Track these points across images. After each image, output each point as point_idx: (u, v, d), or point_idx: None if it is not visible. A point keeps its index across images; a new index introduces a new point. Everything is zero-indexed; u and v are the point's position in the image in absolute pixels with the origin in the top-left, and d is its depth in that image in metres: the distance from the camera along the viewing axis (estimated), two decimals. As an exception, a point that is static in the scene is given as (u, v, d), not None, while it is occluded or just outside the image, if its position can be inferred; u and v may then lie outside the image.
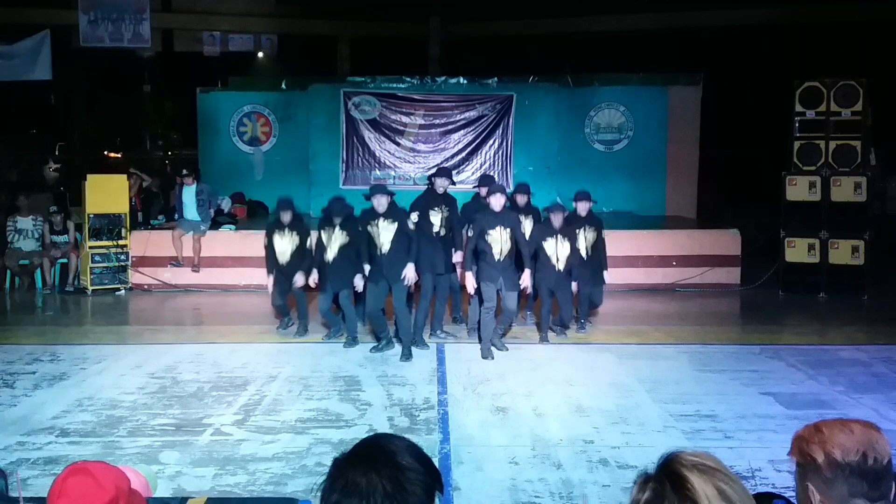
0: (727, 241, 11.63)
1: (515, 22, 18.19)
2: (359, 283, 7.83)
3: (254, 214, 13.71)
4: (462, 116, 14.93)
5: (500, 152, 14.89)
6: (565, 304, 8.31)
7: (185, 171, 11.94)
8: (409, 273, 7.66)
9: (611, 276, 10.78)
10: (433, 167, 10.69)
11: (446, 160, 14.11)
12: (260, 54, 19.92)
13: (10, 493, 2.34)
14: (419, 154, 14.98)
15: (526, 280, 7.77)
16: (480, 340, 7.76)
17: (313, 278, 8.16)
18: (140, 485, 2.19)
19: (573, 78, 15.66)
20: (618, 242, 10.81)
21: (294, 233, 8.53)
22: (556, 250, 8.11)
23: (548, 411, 6.03)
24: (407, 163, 14.97)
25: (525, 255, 7.69)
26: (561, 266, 8.11)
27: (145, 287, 11.52)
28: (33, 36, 15.28)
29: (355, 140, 14.97)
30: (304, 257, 8.41)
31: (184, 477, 4.76)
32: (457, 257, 8.29)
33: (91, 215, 11.24)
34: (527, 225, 8.57)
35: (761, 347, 8.08)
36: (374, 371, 7.22)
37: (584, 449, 5.23)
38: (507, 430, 5.67)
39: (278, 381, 6.86)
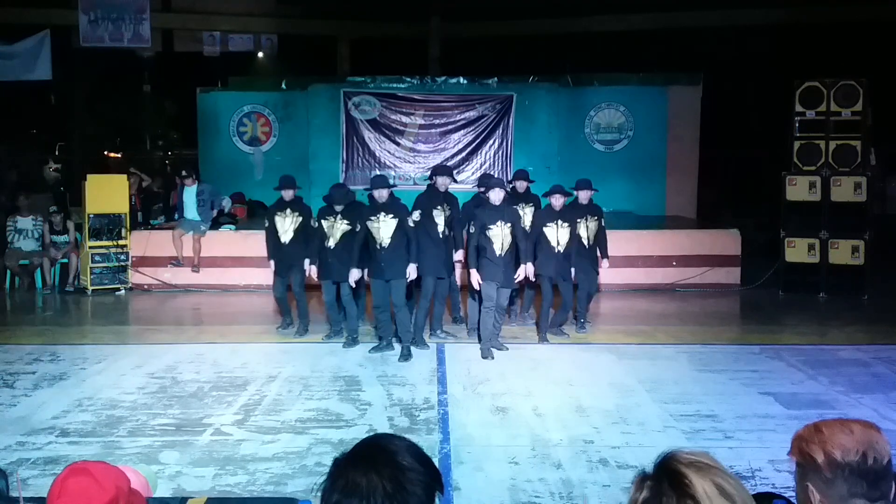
0: (727, 241, 11.63)
1: (515, 22, 18.19)
2: (353, 277, 7.80)
3: (254, 214, 13.71)
4: (462, 116, 14.93)
5: (500, 152, 14.90)
6: (567, 293, 8.32)
7: (184, 173, 11.94)
8: (412, 272, 7.66)
9: (611, 276, 10.83)
10: (434, 166, 10.69)
11: (446, 160, 14.11)
12: (260, 54, 19.91)
13: (11, 493, 2.34)
14: (419, 154, 14.99)
15: (522, 274, 7.78)
16: (480, 340, 7.76)
17: (314, 271, 8.16)
18: (140, 485, 2.19)
19: (573, 78, 15.67)
20: (618, 242, 10.78)
21: (296, 212, 8.54)
22: (557, 235, 8.12)
23: (548, 411, 6.03)
24: (407, 163, 14.98)
25: (522, 250, 7.68)
26: (561, 250, 8.13)
27: (145, 287, 11.52)
28: (33, 36, 15.28)
29: (355, 140, 14.98)
30: (307, 236, 8.39)
31: (184, 477, 4.76)
32: (457, 256, 8.29)
33: (91, 215, 11.25)
34: (528, 213, 8.57)
35: (761, 347, 8.08)
36: (374, 371, 7.22)
37: (584, 449, 5.23)
38: (507, 430, 5.67)
39: (278, 381, 6.86)
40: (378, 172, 12.57)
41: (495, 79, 15.21)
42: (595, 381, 6.87)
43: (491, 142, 14.91)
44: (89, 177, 11.78)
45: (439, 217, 8.05)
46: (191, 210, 11.48)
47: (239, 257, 11.44)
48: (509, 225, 7.57)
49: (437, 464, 1.54)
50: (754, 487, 4.23)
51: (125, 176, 12.33)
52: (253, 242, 10.92)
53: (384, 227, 7.61)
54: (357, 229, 7.81)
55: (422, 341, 8.04)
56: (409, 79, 15.29)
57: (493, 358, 7.59)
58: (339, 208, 7.99)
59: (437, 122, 14.98)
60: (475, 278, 7.59)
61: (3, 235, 11.86)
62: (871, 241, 10.87)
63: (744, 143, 18.19)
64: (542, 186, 8.76)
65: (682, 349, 8.03)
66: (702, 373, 7.15)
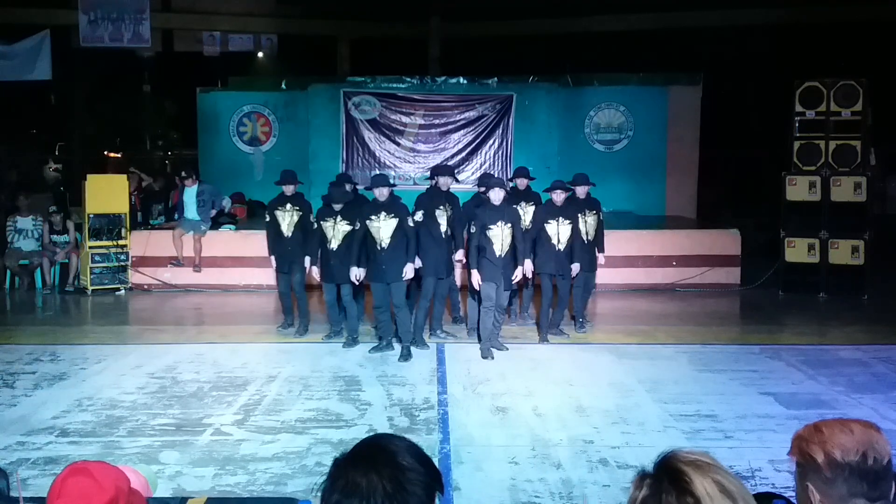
0: (727, 241, 11.63)
1: (515, 22, 18.19)
2: (354, 274, 7.79)
3: (254, 214, 13.71)
4: (462, 116, 14.94)
5: (500, 152, 14.90)
6: (565, 291, 8.32)
7: (184, 173, 11.94)
8: (409, 272, 7.66)
9: (611, 275, 10.87)
10: (434, 165, 10.72)
11: (446, 160, 14.11)
12: (260, 54, 19.91)
13: (11, 493, 2.34)
14: (419, 154, 14.99)
15: (520, 275, 7.78)
16: (480, 340, 7.76)
17: (315, 271, 8.16)
18: (140, 485, 2.19)
19: (573, 78, 15.66)
20: (618, 242, 10.81)
21: (296, 208, 8.54)
22: (558, 231, 8.13)
23: (548, 411, 6.03)
24: (407, 163, 14.99)
25: (521, 250, 7.68)
26: (561, 247, 8.13)
27: (145, 287, 11.52)
28: (33, 36, 15.26)
29: (355, 140, 14.98)
30: (307, 232, 8.39)
31: (184, 477, 4.76)
32: (457, 256, 8.29)
33: (91, 215, 11.24)
34: (528, 211, 8.57)
35: (761, 347, 8.08)
36: (374, 371, 7.22)
37: (584, 449, 5.24)
38: (507, 430, 5.67)
39: (278, 381, 6.86)
40: (378, 172, 12.59)
41: (495, 79, 15.21)
42: (595, 381, 6.87)
43: (491, 142, 14.92)
44: (89, 177, 11.77)
45: (441, 217, 8.04)
46: (191, 210, 11.48)
47: (239, 257, 11.44)
48: (509, 225, 7.57)
49: (437, 464, 1.54)
50: (754, 487, 4.23)
51: (125, 176, 12.33)
52: (253, 242, 10.93)
53: (384, 227, 7.60)
54: (356, 228, 7.80)
55: (422, 341, 8.03)
56: (409, 79, 15.30)
57: (493, 358, 7.59)
58: (337, 207, 7.98)
59: (437, 122, 14.98)
60: (475, 279, 7.59)
61: (3, 235, 11.87)
62: (871, 241, 10.87)
63: (744, 143, 18.19)
64: (542, 187, 8.77)
65: (682, 349, 8.03)
66: (702, 373, 7.15)
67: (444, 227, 8.05)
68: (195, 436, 5.50)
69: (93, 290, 11.18)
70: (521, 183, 8.93)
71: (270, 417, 5.91)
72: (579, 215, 8.43)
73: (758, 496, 1.53)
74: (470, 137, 14.93)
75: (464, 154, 14.87)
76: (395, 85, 15.14)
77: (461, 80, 15.22)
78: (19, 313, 10.54)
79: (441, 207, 8.06)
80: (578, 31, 18.50)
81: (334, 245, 7.98)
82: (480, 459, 5.06)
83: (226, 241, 11.70)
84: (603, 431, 5.58)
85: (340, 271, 7.95)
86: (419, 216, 7.95)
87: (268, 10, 18.64)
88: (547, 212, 8.26)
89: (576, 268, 8.28)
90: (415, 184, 13.61)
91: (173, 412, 6.01)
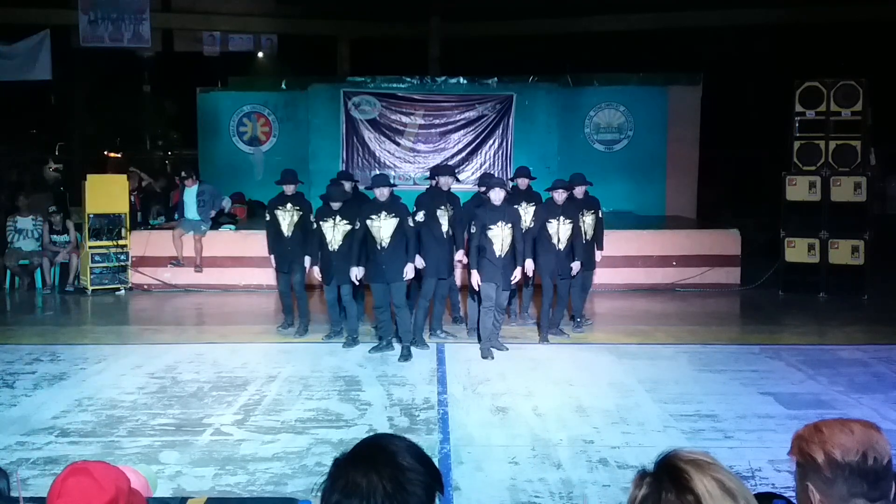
0: (727, 241, 11.63)
1: (515, 22, 18.18)
2: (354, 274, 7.79)
3: (254, 214, 13.72)
4: (462, 116, 14.94)
5: (500, 152, 14.90)
6: (564, 290, 8.32)
7: (184, 173, 11.94)
8: (410, 272, 7.66)
9: (611, 276, 10.87)
10: (434, 166, 10.74)
11: (446, 160, 14.12)
12: (260, 54, 19.90)
13: (11, 493, 2.34)
14: (419, 154, 14.99)
15: (519, 275, 7.78)
16: (480, 340, 7.76)
17: (316, 271, 8.16)
18: (140, 485, 2.19)
19: (573, 78, 15.66)
20: (618, 242, 10.81)
21: (297, 207, 8.54)
22: (559, 230, 8.13)
23: (548, 411, 6.03)
24: (407, 163, 14.99)
25: (520, 251, 7.68)
26: (562, 247, 8.13)
27: (145, 287, 11.52)
28: (33, 36, 15.27)
29: (355, 140, 14.98)
30: (307, 232, 8.39)
31: (184, 477, 4.76)
32: (458, 256, 8.28)
33: (91, 215, 11.25)
34: (529, 211, 8.57)
35: (761, 347, 8.08)
36: (374, 371, 7.22)
37: (584, 449, 5.24)
38: (507, 430, 5.67)
39: (278, 381, 6.86)
40: (378, 172, 12.58)
41: (495, 79, 15.21)
42: (595, 381, 6.87)
43: (491, 142, 14.92)
44: (89, 177, 11.77)
45: (443, 217, 8.04)
46: (191, 210, 11.48)
47: (239, 257, 11.44)
48: (510, 225, 7.58)
49: (437, 464, 1.54)
50: (754, 487, 4.23)
51: (125, 176, 12.33)
52: (253, 242, 10.93)
53: (385, 227, 7.59)
54: (356, 227, 7.79)
55: (422, 341, 8.03)
56: (409, 79, 15.30)
57: (493, 358, 7.59)
58: (336, 206, 7.97)
59: (437, 122, 14.98)
60: (475, 279, 7.59)
61: (3, 235, 11.86)
62: (871, 241, 10.87)
63: (744, 143, 18.18)
64: (543, 187, 8.77)
65: (682, 349, 8.03)
66: (702, 373, 7.15)
67: (445, 227, 8.04)
68: (195, 436, 5.50)
69: (93, 290, 11.18)
70: (522, 183, 8.93)
71: (270, 417, 5.91)
72: (579, 215, 8.44)
73: (758, 496, 1.53)
74: (470, 137, 14.93)
75: (464, 154, 14.87)
76: (395, 85, 15.14)
77: (461, 80, 15.22)
78: (19, 313, 10.54)
79: (442, 207, 8.05)
80: (578, 31, 18.49)
81: (334, 245, 7.97)
82: (480, 459, 5.06)
83: (226, 241, 11.70)
84: (603, 431, 5.58)
85: (340, 271, 7.94)
86: (420, 216, 7.94)
87: (268, 10, 18.63)
88: (548, 211, 8.25)
89: (576, 266, 8.27)
90: (415, 184, 13.61)
91: (173, 412, 6.01)
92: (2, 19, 16.21)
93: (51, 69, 15.28)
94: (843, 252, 10.94)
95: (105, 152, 22.27)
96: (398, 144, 15.01)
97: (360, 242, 7.72)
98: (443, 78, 15.50)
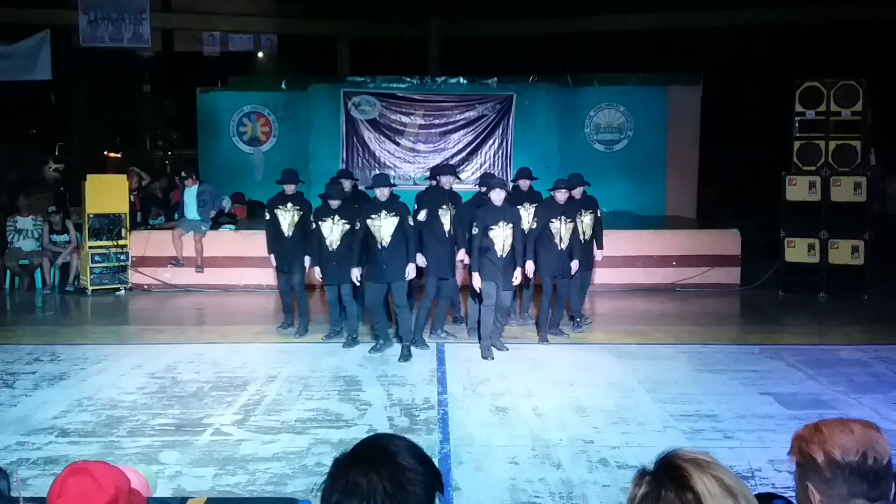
0: (727, 241, 11.63)
1: (515, 22, 18.19)
2: (355, 275, 7.79)
3: (254, 214, 13.72)
4: (462, 116, 14.94)
5: (500, 152, 14.90)
6: (564, 290, 8.32)
7: (183, 173, 11.94)
8: (411, 272, 7.66)
9: (611, 276, 10.87)
10: (434, 166, 10.75)
11: (446, 160, 14.12)
12: (260, 54, 19.91)
13: (11, 493, 2.34)
14: (419, 154, 15.00)
15: (520, 276, 7.79)
16: (480, 339, 7.76)
17: (317, 271, 8.15)
18: (140, 485, 2.19)
19: (573, 78, 15.67)
20: (618, 242, 10.81)
21: (297, 207, 8.54)
22: (561, 230, 8.13)
23: (548, 411, 6.03)
24: (407, 163, 14.99)
25: (520, 251, 7.68)
26: (563, 246, 8.13)
27: (145, 287, 11.52)
28: (33, 36, 15.27)
29: (355, 140, 14.98)
30: (306, 231, 8.39)
31: (184, 477, 4.76)
32: (459, 256, 8.25)
33: (91, 215, 11.25)
34: (530, 211, 8.57)
35: (761, 347, 8.08)
36: (374, 371, 7.22)
37: (584, 449, 5.24)
38: (507, 430, 5.67)
39: (278, 381, 6.86)
40: (378, 172, 12.59)
41: (495, 79, 15.21)
42: (595, 381, 6.87)
43: (491, 142, 14.92)
44: (89, 177, 11.77)
45: (445, 216, 8.04)
46: (191, 210, 11.48)
47: (239, 257, 11.44)
48: (511, 226, 7.58)
49: (437, 464, 1.54)
50: (754, 487, 4.23)
51: (125, 176, 12.33)
52: (253, 242, 10.93)
53: (385, 226, 7.59)
54: (356, 227, 7.78)
55: (422, 341, 8.03)
56: (409, 79, 15.30)
57: (493, 358, 7.59)
58: (335, 205, 7.97)
59: (437, 122, 14.99)
60: (476, 282, 7.59)
61: (3, 235, 11.86)
62: (871, 241, 10.87)
63: (744, 143, 18.19)
64: (542, 187, 8.78)
65: (682, 349, 8.03)
66: (702, 373, 7.15)
67: (447, 227, 8.03)
68: (195, 436, 5.50)
69: (93, 290, 11.18)
70: (524, 184, 8.92)
71: (270, 417, 5.91)
72: (577, 215, 8.44)
73: (758, 496, 1.53)
74: (470, 137, 14.94)
75: (464, 154, 14.87)
76: (395, 85, 15.14)
77: (461, 80, 15.22)
78: (19, 313, 10.54)
79: (444, 206, 8.05)
80: (578, 31, 18.50)
81: (333, 245, 7.97)
82: (480, 459, 5.06)
83: (226, 241, 11.70)
84: (603, 431, 5.58)
85: (340, 271, 7.94)
86: (423, 215, 7.95)
87: (268, 10, 18.64)
88: (550, 211, 8.25)
89: (575, 265, 8.28)
90: (415, 184, 13.62)
91: (173, 412, 6.01)
92: (2, 19, 16.21)
93: (51, 69, 15.28)
94: (843, 252, 10.94)
95: (105, 152, 22.28)
96: (398, 144, 15.02)
97: (360, 242, 7.71)
98: (443, 78, 15.51)
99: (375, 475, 1.41)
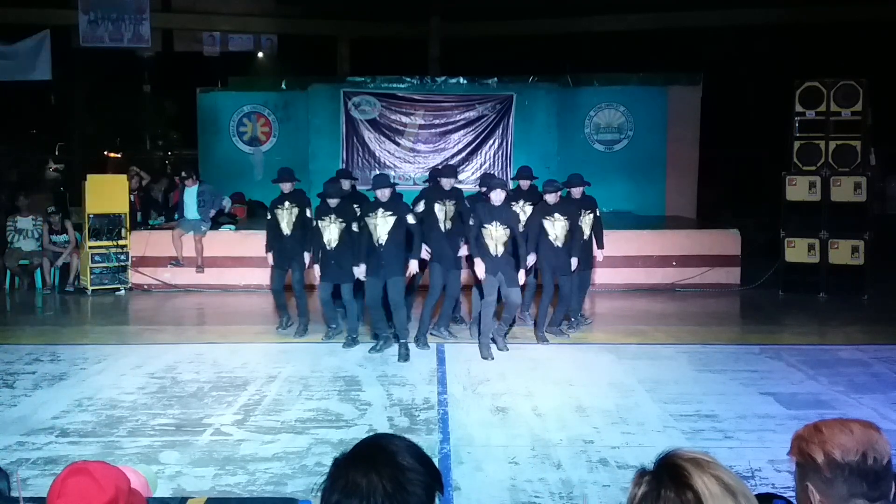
0: (727, 241, 11.63)
1: (515, 22, 18.18)
2: (358, 272, 7.78)
3: (254, 214, 13.73)
4: (462, 116, 14.94)
5: (500, 152, 14.90)
6: (566, 289, 8.32)
7: (183, 173, 11.94)
8: (413, 267, 7.68)
9: (611, 276, 10.87)
10: (433, 167, 10.77)
11: (446, 160, 14.13)
12: (260, 54, 19.90)
13: (11, 493, 2.34)
14: (419, 154, 15.00)
15: (524, 277, 7.80)
16: (480, 335, 7.75)
17: (317, 270, 8.15)
18: (140, 485, 2.19)
19: (573, 78, 15.66)
20: (618, 242, 10.81)
21: (294, 204, 8.55)
22: (555, 229, 8.13)
23: (548, 411, 6.03)
24: (407, 163, 14.99)
25: (521, 254, 7.68)
26: (559, 244, 8.13)
27: (145, 287, 11.52)
28: (33, 36, 15.27)
29: (355, 140, 14.98)
30: (305, 228, 8.39)
31: (184, 477, 4.76)
32: (463, 250, 8.24)
33: (91, 215, 11.25)
34: (528, 210, 8.57)
35: (761, 347, 8.08)
36: (374, 371, 7.22)
37: (584, 449, 5.24)
38: (507, 430, 5.67)
39: (278, 381, 6.86)
40: (379, 172, 12.59)
41: (495, 79, 15.21)
42: (595, 381, 6.87)
43: (491, 142, 14.92)
44: (89, 177, 11.77)
45: (440, 212, 8.08)
46: (191, 210, 11.48)
47: (239, 257, 11.44)
48: (505, 227, 7.58)
49: (437, 464, 1.54)
50: (754, 487, 4.23)
51: (125, 176, 12.32)
52: (253, 242, 10.92)
53: (381, 225, 7.61)
54: (352, 225, 7.80)
55: (423, 341, 8.03)
56: (409, 79, 15.30)
57: (492, 358, 7.59)
58: (333, 203, 7.98)
59: (437, 122, 14.98)
60: (479, 268, 7.57)
61: (3, 235, 11.86)
62: (871, 241, 10.87)
63: (744, 143, 18.19)
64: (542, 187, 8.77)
65: (682, 349, 8.03)
66: (702, 373, 7.15)
67: (441, 222, 8.08)
68: (195, 436, 5.50)
69: (93, 290, 11.18)
70: (524, 184, 8.94)
71: (270, 417, 5.91)
72: (577, 214, 8.44)
73: (758, 497, 1.53)
74: (470, 137, 14.93)
75: (464, 154, 14.87)
76: (395, 85, 15.14)
77: (461, 80, 15.22)
78: (19, 313, 10.54)
79: (440, 202, 8.10)
80: (578, 31, 18.50)
81: (332, 244, 7.98)
82: (480, 459, 5.06)
83: (226, 241, 11.70)
84: (603, 431, 5.58)
85: (338, 270, 7.95)
86: (420, 206, 7.99)
87: (268, 10, 18.64)
88: (543, 210, 8.26)
89: (574, 262, 8.28)
90: (415, 184, 13.61)
91: (173, 412, 6.01)
92: (2, 19, 16.21)
93: (51, 69, 15.28)
94: (843, 252, 10.94)
95: (105, 152, 22.29)
96: (398, 144, 15.02)
97: (363, 241, 7.72)
98: (443, 78, 15.50)
99: (375, 475, 1.41)
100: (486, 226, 7.55)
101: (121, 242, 11.33)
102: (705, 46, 19.07)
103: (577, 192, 8.62)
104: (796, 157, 11.20)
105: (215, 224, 11.81)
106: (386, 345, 7.85)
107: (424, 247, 7.89)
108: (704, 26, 18.08)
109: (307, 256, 8.36)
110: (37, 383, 6.81)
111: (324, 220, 8.03)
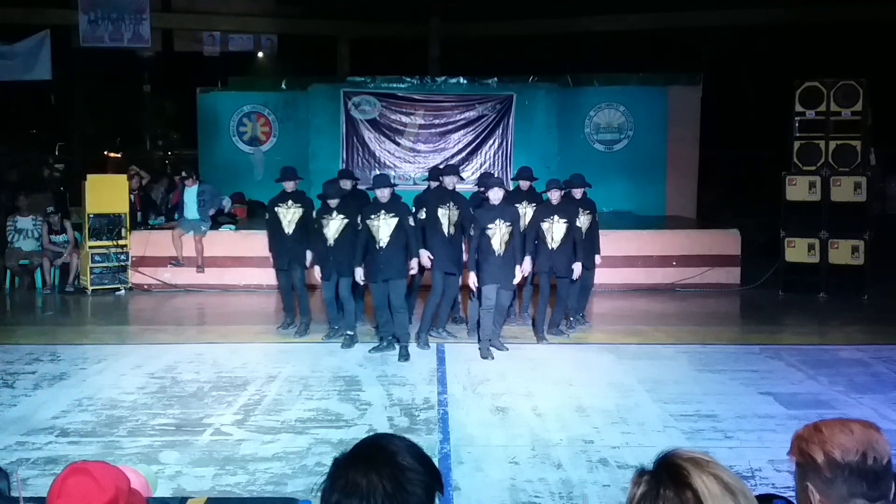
0: (727, 241, 11.63)
1: (515, 22, 18.19)
2: (358, 274, 7.79)
3: (254, 214, 13.72)
4: (462, 116, 14.94)
5: (500, 152, 14.90)
6: (563, 290, 8.32)
7: (184, 173, 11.94)
8: (414, 267, 7.68)
9: (611, 276, 10.86)
10: (433, 166, 10.75)
11: (446, 160, 14.12)
12: (260, 54, 19.91)
13: (11, 493, 2.34)
14: (419, 154, 14.99)
15: (520, 276, 7.80)
16: (480, 340, 7.76)
17: (317, 270, 8.15)
18: (140, 485, 2.19)
19: (573, 78, 15.67)
20: (618, 242, 10.81)
21: (297, 204, 8.54)
22: (553, 230, 8.13)
23: (548, 411, 6.03)
24: (407, 163, 14.99)
25: (518, 250, 7.68)
26: (555, 245, 8.13)
27: (145, 287, 11.52)
28: (33, 36, 15.27)
29: (355, 140, 14.98)
30: (307, 229, 8.38)
31: (184, 477, 4.76)
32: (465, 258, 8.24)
33: (91, 215, 11.24)
34: (529, 211, 8.57)
35: (761, 347, 8.08)
36: (374, 371, 7.22)
37: (584, 449, 5.24)
38: (507, 430, 5.67)
39: (278, 381, 6.86)
40: (379, 172, 12.60)
41: (495, 79, 15.21)
42: (595, 381, 6.87)
43: (491, 142, 14.92)
44: (89, 177, 11.77)
45: (444, 217, 8.06)
46: (191, 210, 11.48)
47: (239, 257, 11.44)
48: (508, 224, 7.58)
49: (437, 464, 1.54)
50: (754, 487, 4.23)
51: (125, 176, 12.32)
52: (253, 242, 10.93)
53: (384, 226, 7.60)
54: (356, 221, 7.79)
55: (424, 341, 8.03)
56: (409, 79, 15.30)
57: (492, 358, 7.59)
58: (334, 203, 7.98)
59: (437, 122, 14.98)
60: (472, 281, 7.60)
61: (3, 235, 11.86)
62: (871, 241, 10.87)
63: (744, 143, 18.18)
64: (542, 187, 8.78)
65: (682, 349, 8.03)
66: (702, 373, 7.15)
67: (446, 227, 8.05)
68: (195, 436, 5.50)
69: (93, 290, 11.18)
70: (524, 184, 8.94)
71: (270, 417, 5.91)
72: (576, 215, 8.43)
73: (758, 497, 1.52)
74: (470, 137, 14.94)
75: (464, 154, 14.87)
76: (395, 85, 15.14)
77: (461, 80, 15.22)
78: (19, 313, 10.54)
79: (444, 206, 8.07)
80: (578, 31, 18.50)
81: (331, 240, 7.98)
82: (480, 459, 5.06)
83: (226, 241, 11.70)
84: (603, 431, 5.58)
85: (337, 265, 7.95)
86: (421, 215, 7.98)
87: (268, 10, 18.63)
88: (543, 211, 8.26)
89: (577, 267, 8.26)
90: (415, 184, 13.61)
91: (173, 412, 6.01)
92: (2, 19, 16.21)
93: (51, 69, 15.29)
94: (843, 252, 10.94)
95: (105, 152, 22.28)
96: (398, 144, 15.02)
97: (362, 243, 7.72)
98: (443, 78, 15.51)
99: (375, 475, 1.41)
100: (488, 226, 7.54)
101: (121, 242, 11.33)
102: (705, 46, 19.07)
103: (577, 192, 8.62)
104: (796, 157, 11.20)
105: (215, 224, 11.81)
106: (388, 347, 7.84)
107: (426, 252, 7.87)
108: (704, 26, 18.09)
109: (309, 256, 8.35)
110: (37, 383, 6.81)
111: (325, 218, 8.04)
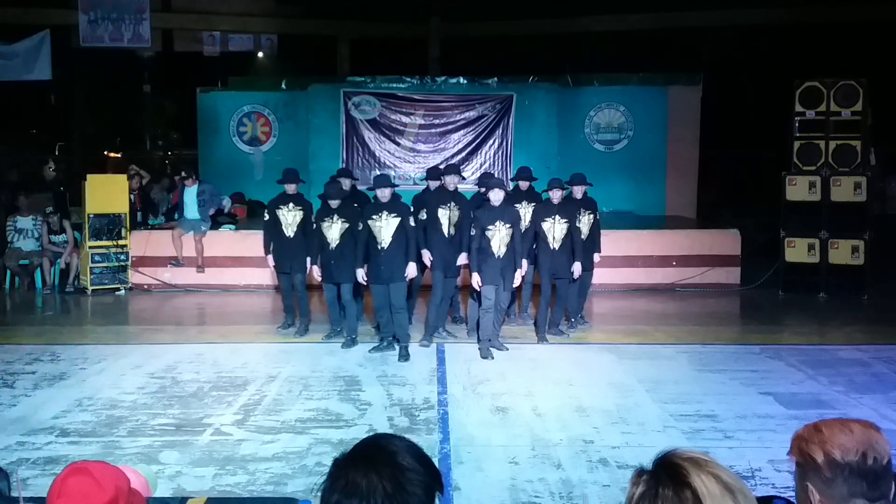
0: (727, 241, 11.63)
1: (515, 22, 18.18)
2: (359, 275, 7.78)
3: (254, 214, 13.71)
4: (462, 116, 14.94)
5: (500, 152, 14.90)
6: (564, 290, 8.31)
7: (183, 173, 11.94)
8: (411, 271, 7.67)
9: (611, 276, 10.86)
10: (432, 166, 10.76)
11: (447, 160, 14.11)
12: (260, 54, 19.91)
13: (11, 493, 2.34)
14: (419, 154, 14.99)
15: (519, 277, 7.81)
16: (479, 340, 7.76)
17: (317, 271, 8.15)
18: (140, 485, 2.19)
19: (573, 78, 15.66)
20: (618, 242, 10.81)
21: (299, 207, 8.53)
22: (554, 230, 8.13)
23: (548, 411, 6.03)
24: (407, 163, 14.99)
25: (518, 252, 7.69)
26: (557, 245, 8.13)
27: (145, 287, 11.52)
28: (33, 36, 15.26)
29: (355, 140, 14.98)
30: (307, 232, 8.37)
31: (184, 477, 4.76)
32: (461, 259, 8.22)
33: (91, 215, 11.24)
34: (529, 211, 8.58)
35: (761, 347, 8.08)
36: (374, 371, 7.22)
37: (584, 449, 5.24)
38: (507, 430, 5.67)
39: (278, 381, 6.86)
40: (379, 172, 12.62)
41: (495, 79, 15.21)
42: (595, 381, 6.87)
43: (491, 142, 14.91)
44: (89, 177, 11.77)
45: (444, 217, 8.05)
46: (191, 210, 11.47)
47: (239, 257, 11.44)
48: (508, 225, 7.58)
49: (437, 464, 1.54)
50: (754, 487, 4.23)
51: (125, 176, 12.32)
52: (253, 242, 10.90)
53: (386, 227, 7.60)
54: (357, 226, 7.77)
55: (429, 339, 8.04)
56: (409, 79, 15.30)
57: (492, 358, 7.59)
58: (334, 204, 7.96)
59: (437, 122, 14.98)
60: (475, 281, 7.59)
61: (3, 235, 11.86)
62: (871, 241, 10.87)
63: (744, 143, 18.18)
64: (542, 187, 8.78)
65: (682, 349, 8.03)
66: (702, 373, 7.16)
67: (446, 227, 8.04)
68: (195, 436, 5.50)
69: (93, 290, 11.18)
70: (524, 184, 8.94)
71: (270, 417, 5.91)
72: (576, 214, 8.44)
73: (758, 499, 1.52)
74: (470, 137, 14.93)
75: (464, 154, 14.87)
76: (395, 85, 15.14)
77: (461, 80, 15.22)
78: (19, 313, 10.54)
79: (444, 207, 8.07)
80: (578, 31, 18.50)
81: (333, 244, 7.96)
82: (480, 459, 5.06)
83: (226, 241, 11.70)
84: (603, 431, 5.58)
85: (339, 270, 7.94)
86: (422, 215, 7.98)
87: (268, 10, 18.63)
88: (544, 210, 8.26)
89: (577, 268, 8.26)
90: (415, 184, 13.59)
91: (173, 412, 6.01)
92: (2, 19, 16.21)
93: (51, 69, 15.27)
94: (843, 252, 10.94)
95: (105, 152, 22.28)
96: (398, 144, 15.02)
97: (363, 243, 7.71)
98: (443, 78, 15.50)
99: (375, 475, 1.41)
100: (489, 227, 7.54)
101: (121, 242, 11.33)
102: (705, 46, 19.07)
103: (578, 191, 8.62)
104: (796, 157, 11.20)
105: (215, 224, 11.81)
106: (388, 347, 7.84)
107: (427, 253, 7.87)
108: (704, 26, 18.08)
109: (309, 260, 8.34)
110: (37, 383, 6.81)
111: (325, 220, 8.02)
